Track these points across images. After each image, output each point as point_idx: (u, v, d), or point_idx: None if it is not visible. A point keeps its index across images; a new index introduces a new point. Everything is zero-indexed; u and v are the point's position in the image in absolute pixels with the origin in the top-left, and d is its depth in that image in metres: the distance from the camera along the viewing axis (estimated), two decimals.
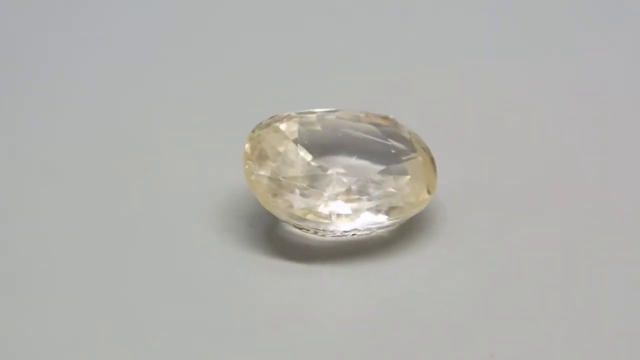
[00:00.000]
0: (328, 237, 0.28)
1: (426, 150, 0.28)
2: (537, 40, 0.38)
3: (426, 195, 0.28)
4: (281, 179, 0.27)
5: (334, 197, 0.27)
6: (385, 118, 0.28)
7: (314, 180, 0.27)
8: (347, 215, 0.27)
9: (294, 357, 0.26)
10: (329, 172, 0.27)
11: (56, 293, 0.27)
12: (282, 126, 0.28)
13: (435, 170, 0.28)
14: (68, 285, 0.27)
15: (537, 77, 0.36)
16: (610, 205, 0.30)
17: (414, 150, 0.28)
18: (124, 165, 0.31)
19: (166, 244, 0.28)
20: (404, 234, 0.29)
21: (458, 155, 0.31)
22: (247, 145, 0.28)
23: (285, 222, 0.28)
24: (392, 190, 0.28)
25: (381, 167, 0.28)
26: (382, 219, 0.28)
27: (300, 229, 0.28)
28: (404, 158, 0.28)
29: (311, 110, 0.29)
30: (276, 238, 0.29)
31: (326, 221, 0.27)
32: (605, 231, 0.29)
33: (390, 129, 0.28)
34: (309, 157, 0.28)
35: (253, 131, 0.28)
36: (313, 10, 0.39)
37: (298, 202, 0.27)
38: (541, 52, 0.37)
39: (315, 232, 0.28)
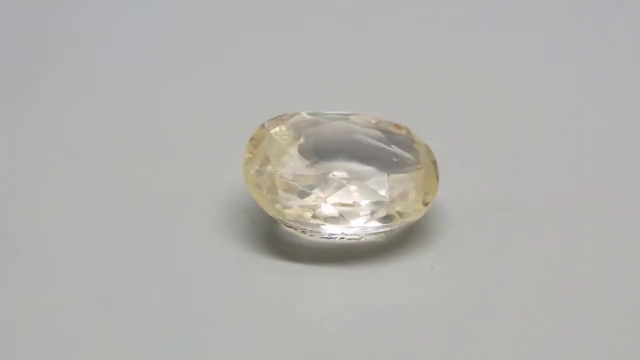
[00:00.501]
0: (316, 238, 0.28)
1: (433, 162, 0.28)
2: (537, 39, 0.38)
3: (421, 207, 0.28)
4: (277, 177, 0.28)
5: (326, 200, 0.27)
6: (398, 126, 0.28)
7: (310, 182, 0.27)
8: (336, 219, 0.27)
9: (292, 356, 0.26)
10: (326, 174, 0.27)
11: (56, 293, 0.27)
12: (290, 125, 0.28)
13: (436, 184, 0.28)
14: (68, 285, 0.27)
15: (538, 79, 0.36)
16: (615, 219, 0.30)
17: (417, 162, 0.28)
18: (124, 165, 0.31)
19: (166, 244, 0.28)
20: (406, 239, 0.29)
21: (465, 165, 0.31)
22: (251, 140, 0.28)
23: (275, 217, 0.28)
24: (385, 197, 0.27)
25: (379, 174, 0.28)
26: (373, 225, 0.28)
27: (289, 227, 0.28)
28: (404, 168, 0.28)
29: (323, 111, 0.29)
30: (276, 238, 0.29)
31: (314, 222, 0.28)
32: (608, 244, 0.29)
33: (399, 138, 0.28)
34: (309, 158, 0.28)
35: (262, 126, 0.28)
36: (313, 11, 0.39)
37: (289, 201, 0.27)
38: (541, 52, 0.37)
39: (304, 232, 0.28)
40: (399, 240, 0.29)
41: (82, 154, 0.32)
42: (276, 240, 0.29)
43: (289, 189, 0.27)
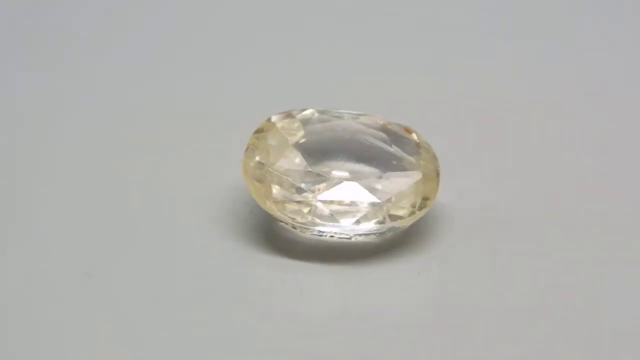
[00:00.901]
0: (307, 234, 0.28)
1: (435, 169, 0.28)
2: (537, 39, 0.38)
3: (416, 212, 0.28)
4: (275, 170, 0.28)
5: (320, 198, 0.27)
6: (408, 130, 0.28)
7: (307, 179, 0.27)
8: (329, 217, 0.27)
9: (292, 355, 0.26)
10: (324, 172, 0.28)
11: (56, 293, 0.27)
12: (297, 120, 0.28)
13: (436, 191, 0.28)
14: (68, 285, 0.27)
15: (538, 79, 0.36)
16: (618, 230, 0.29)
17: (418, 166, 0.28)
18: (124, 165, 0.31)
19: (165, 244, 0.28)
20: (400, 242, 0.28)
21: (465, 166, 0.31)
22: (256, 132, 0.28)
23: (266, 210, 0.28)
24: (380, 199, 0.27)
25: (376, 175, 0.27)
26: (365, 226, 0.28)
27: (281, 221, 0.28)
28: (402, 171, 0.28)
29: (333, 109, 0.29)
30: (276, 236, 0.29)
31: (307, 220, 0.28)
32: (609, 259, 0.28)
33: (404, 141, 0.28)
34: (309, 155, 0.28)
35: (269, 119, 0.28)
36: (313, 11, 0.39)
37: (284, 196, 0.27)
38: (541, 53, 0.37)
39: (294, 227, 0.28)
40: (394, 242, 0.28)
41: (82, 154, 0.32)
42: (275, 237, 0.29)
43: (285, 184, 0.27)
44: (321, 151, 0.28)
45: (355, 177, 0.27)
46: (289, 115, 0.28)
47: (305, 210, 0.27)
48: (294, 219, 0.28)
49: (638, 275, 0.28)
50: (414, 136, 0.28)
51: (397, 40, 0.38)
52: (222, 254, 0.28)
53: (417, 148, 0.28)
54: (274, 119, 0.28)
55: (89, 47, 0.37)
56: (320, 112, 0.29)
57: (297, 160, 0.28)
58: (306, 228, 0.28)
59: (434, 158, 0.28)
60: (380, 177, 0.28)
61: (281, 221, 0.28)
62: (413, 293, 0.27)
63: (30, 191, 0.30)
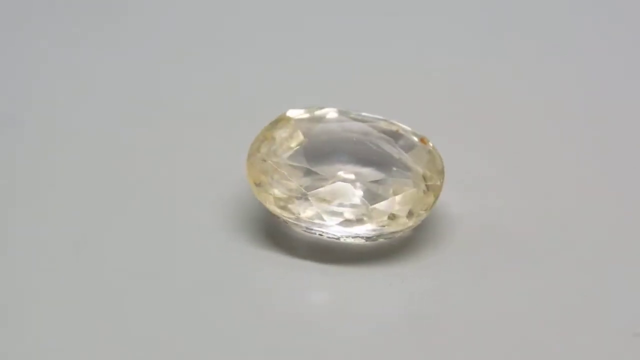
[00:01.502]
0: (298, 230, 0.28)
1: (439, 182, 0.28)
2: (537, 39, 0.38)
3: (408, 222, 0.28)
4: (275, 164, 0.28)
5: (315, 196, 0.27)
6: (423, 140, 0.28)
7: (306, 177, 0.28)
8: (318, 216, 0.27)
9: (292, 355, 0.26)
10: (321, 171, 0.28)
11: (56, 293, 0.27)
12: (312, 117, 0.28)
13: (432, 203, 0.28)
14: (68, 285, 0.27)
15: (538, 79, 0.36)
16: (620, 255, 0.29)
17: (421, 176, 0.28)
18: (124, 165, 0.31)
19: (166, 244, 0.28)
20: (394, 248, 0.28)
21: (464, 166, 0.31)
22: (271, 123, 0.28)
23: (262, 203, 0.28)
24: (372, 204, 0.27)
25: (374, 181, 0.27)
26: (356, 229, 0.28)
27: (273, 214, 0.28)
28: (402, 178, 0.28)
29: (353, 111, 0.29)
30: (278, 236, 0.29)
31: (299, 216, 0.28)
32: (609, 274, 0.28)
33: (415, 150, 0.28)
34: (312, 153, 0.28)
35: (285, 112, 0.28)
36: (313, 11, 0.39)
37: (280, 191, 0.28)
38: (541, 53, 0.37)
39: (285, 222, 0.28)
40: (395, 244, 0.28)
41: (82, 154, 0.32)
42: (276, 238, 0.29)
43: (283, 179, 0.28)
44: (326, 151, 0.28)
45: (354, 179, 0.27)
46: (306, 111, 0.28)
47: (300, 207, 0.28)
48: (288, 215, 0.28)
49: (638, 275, 0.28)
50: (428, 147, 0.28)
51: (397, 40, 0.38)
52: (223, 254, 0.28)
53: (425, 158, 0.28)
54: (290, 113, 0.28)
55: (89, 47, 0.37)
56: (341, 112, 0.29)
57: (299, 157, 0.28)
58: (296, 224, 0.28)
59: (440, 172, 0.28)
60: (379, 182, 0.27)
61: (274, 215, 0.28)
62: (413, 294, 0.27)
63: (30, 191, 0.30)
